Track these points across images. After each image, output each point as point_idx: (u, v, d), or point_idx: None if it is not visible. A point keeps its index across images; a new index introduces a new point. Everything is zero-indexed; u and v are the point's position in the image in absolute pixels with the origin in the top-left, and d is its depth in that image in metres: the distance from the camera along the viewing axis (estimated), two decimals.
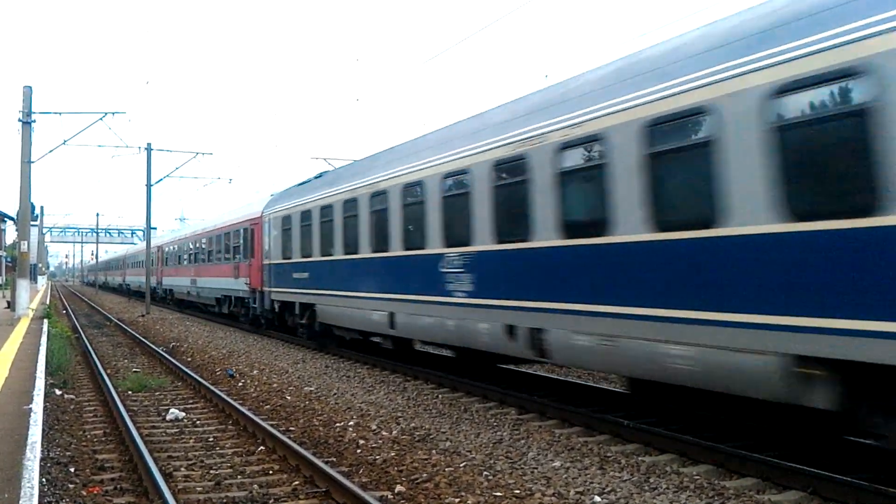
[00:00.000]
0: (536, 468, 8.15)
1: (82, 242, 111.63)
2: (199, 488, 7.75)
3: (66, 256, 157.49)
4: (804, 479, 7.21)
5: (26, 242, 26.94)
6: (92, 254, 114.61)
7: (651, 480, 7.62)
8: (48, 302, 41.58)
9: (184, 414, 11.47)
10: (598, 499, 7.06)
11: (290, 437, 9.46)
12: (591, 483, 7.55)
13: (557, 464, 8.30)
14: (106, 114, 29.66)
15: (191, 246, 37.06)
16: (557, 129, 9.78)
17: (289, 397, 12.82)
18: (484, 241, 11.25)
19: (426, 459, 8.52)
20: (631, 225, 8.57)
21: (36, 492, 5.87)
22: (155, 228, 58.50)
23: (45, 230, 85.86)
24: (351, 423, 10.54)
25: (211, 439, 10.03)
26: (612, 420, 9.86)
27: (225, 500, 7.37)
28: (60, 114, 28.53)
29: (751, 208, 7.16)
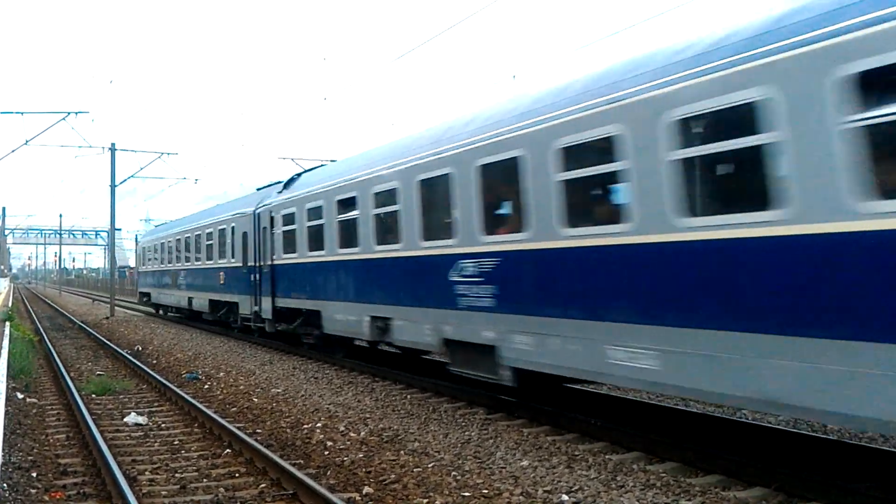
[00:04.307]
0: (505, 467, 8.16)
1: (45, 244, 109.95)
2: (163, 492, 7.66)
3: (29, 258, 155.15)
4: (769, 476, 7.29)
5: None
6: (55, 255, 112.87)
7: (618, 478, 7.67)
8: (10, 304, 40.88)
9: (144, 420, 11.31)
10: (565, 497, 7.09)
11: (256, 440, 9.38)
12: (559, 482, 7.57)
13: (525, 463, 8.32)
14: (69, 113, 29.25)
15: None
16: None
17: (256, 399, 12.72)
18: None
19: (394, 460, 8.50)
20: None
21: None
22: (119, 230, 57.69)
23: (6, 231, 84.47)
24: (319, 424, 10.49)
25: (176, 443, 9.92)
26: (580, 419, 9.92)
27: None
28: (22, 113, 28.08)
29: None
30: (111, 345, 21.91)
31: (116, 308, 39.50)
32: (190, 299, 28.28)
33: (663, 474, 7.78)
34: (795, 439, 8.66)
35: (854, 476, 7.18)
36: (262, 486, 7.78)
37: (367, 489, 7.46)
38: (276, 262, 18.73)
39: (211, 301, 25.47)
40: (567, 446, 9.08)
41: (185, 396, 12.31)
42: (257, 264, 20.22)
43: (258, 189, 23.61)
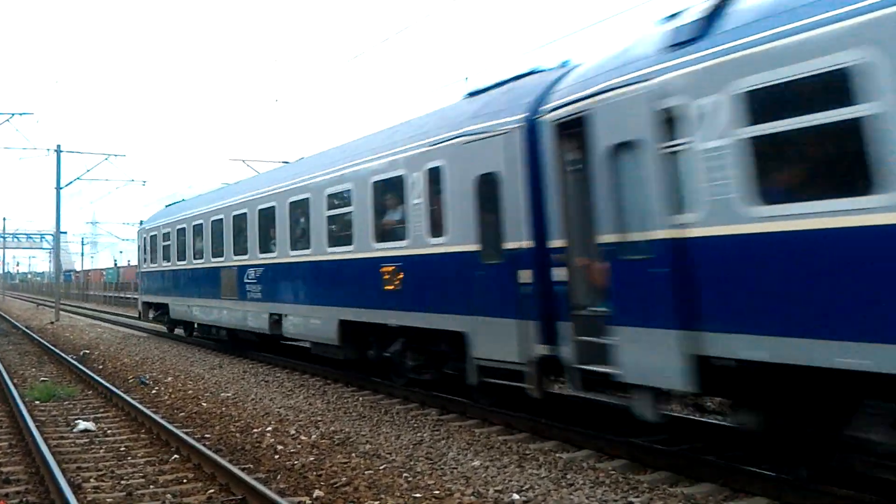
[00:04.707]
0: (456, 468, 8.18)
1: None
2: (109, 500, 7.51)
3: None
4: (715, 472, 7.43)
5: None
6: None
7: (568, 476, 7.74)
8: None
9: (92, 425, 11.07)
10: (516, 497, 7.13)
11: (205, 445, 9.25)
12: (510, 481, 7.61)
13: (477, 463, 8.35)
14: (13, 114, 28.65)
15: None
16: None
17: (205, 404, 12.55)
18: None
19: (346, 463, 8.46)
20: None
21: None
22: (65, 233, 56.43)
23: None
24: (269, 428, 10.39)
25: (122, 449, 9.73)
26: (531, 418, 9.97)
27: None
28: None
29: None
30: (56, 350, 21.40)
31: (61, 312, 38.67)
32: (275, 319, 15.81)
33: (612, 472, 7.87)
34: (740, 436, 8.80)
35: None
36: (211, 491, 7.67)
37: (317, 492, 7.41)
38: (694, 235, 7.00)
39: (346, 324, 13.16)
40: (518, 446, 9.13)
41: (132, 402, 12.09)
42: (562, 245, 8.73)
43: (471, 94, 11.39)
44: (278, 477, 8.07)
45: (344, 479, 7.82)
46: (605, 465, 8.13)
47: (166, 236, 23.61)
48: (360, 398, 12.71)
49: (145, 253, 26.31)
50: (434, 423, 10.59)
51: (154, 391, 14.26)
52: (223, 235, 18.76)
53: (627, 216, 7.68)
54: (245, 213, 17.36)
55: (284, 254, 15.34)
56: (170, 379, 15.57)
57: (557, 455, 8.64)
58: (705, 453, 8.01)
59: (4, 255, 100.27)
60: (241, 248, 17.64)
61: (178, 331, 24.85)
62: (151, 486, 7.92)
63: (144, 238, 26.54)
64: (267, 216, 16.25)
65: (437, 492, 7.30)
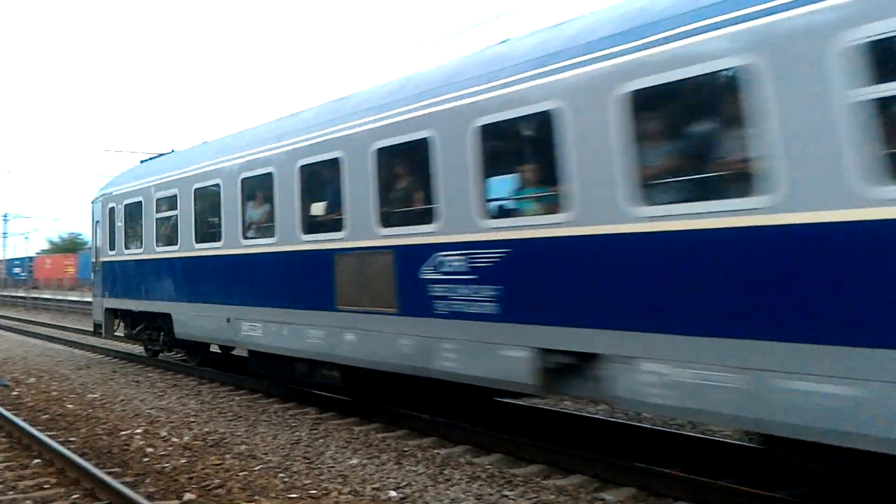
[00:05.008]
0: (334, 467, 8.11)
1: None
2: None
3: None
4: (587, 464, 7.64)
5: None
6: None
7: (445, 472, 7.80)
8: None
9: None
10: (393, 493, 7.13)
11: (69, 448, 8.82)
12: (388, 478, 7.61)
13: (355, 461, 8.30)
14: None
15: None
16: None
17: (70, 406, 11.97)
18: None
19: (219, 465, 8.25)
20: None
21: None
22: None
23: None
24: (138, 430, 10.01)
25: None
26: (411, 415, 10.00)
27: None
28: None
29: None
30: None
31: None
32: (564, 364, 7.06)
33: (489, 466, 7.98)
34: (613, 428, 9.12)
35: (665, 461, 7.64)
36: (75, 496, 7.33)
37: (188, 496, 7.19)
38: None
39: None
40: (397, 443, 9.13)
41: None
42: None
43: None
44: (147, 480, 7.78)
45: (217, 480, 7.63)
46: (482, 460, 8.24)
47: (166, 203, 14.35)
48: (237, 398, 12.42)
49: (114, 233, 16.67)
50: (312, 421, 10.47)
51: (15, 393, 13.49)
52: (339, 192, 9.72)
53: None
54: (426, 141, 8.43)
55: (619, 215, 6.49)
56: (32, 380, 14.78)
57: (435, 451, 8.69)
58: (577, 447, 8.23)
59: None
60: (410, 213, 8.88)
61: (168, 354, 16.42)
62: (10, 493, 7.51)
63: (113, 208, 16.69)
64: (538, 132, 7.48)
65: (314, 491, 7.23)
